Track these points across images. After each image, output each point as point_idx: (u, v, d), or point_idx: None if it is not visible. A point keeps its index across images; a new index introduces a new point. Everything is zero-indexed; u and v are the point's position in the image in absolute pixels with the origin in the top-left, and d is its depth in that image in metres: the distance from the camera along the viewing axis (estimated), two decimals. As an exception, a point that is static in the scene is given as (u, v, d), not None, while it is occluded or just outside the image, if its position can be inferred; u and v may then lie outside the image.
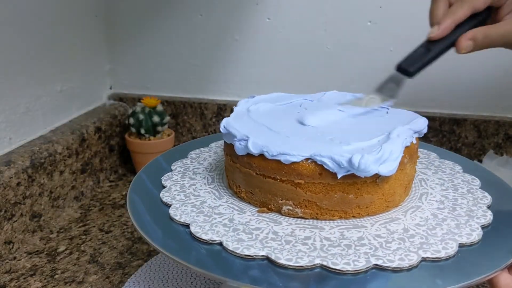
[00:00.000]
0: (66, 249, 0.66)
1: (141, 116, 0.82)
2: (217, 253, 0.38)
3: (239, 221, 0.42)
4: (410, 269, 0.36)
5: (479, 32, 0.47)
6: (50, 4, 0.75)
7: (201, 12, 0.87)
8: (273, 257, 0.37)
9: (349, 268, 0.36)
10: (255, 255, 0.37)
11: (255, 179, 0.43)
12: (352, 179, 0.40)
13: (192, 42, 0.89)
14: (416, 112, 0.49)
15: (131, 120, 0.83)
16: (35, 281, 0.59)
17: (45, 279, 0.60)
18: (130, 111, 0.85)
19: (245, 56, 0.88)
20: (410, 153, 0.43)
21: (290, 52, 0.85)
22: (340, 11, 0.81)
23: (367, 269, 0.36)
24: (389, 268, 0.36)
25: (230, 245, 0.38)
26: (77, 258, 0.64)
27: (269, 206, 0.43)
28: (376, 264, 0.36)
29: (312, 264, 0.36)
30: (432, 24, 0.49)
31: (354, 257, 0.37)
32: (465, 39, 0.47)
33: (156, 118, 0.83)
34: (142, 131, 0.83)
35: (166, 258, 0.60)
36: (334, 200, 0.41)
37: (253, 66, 0.88)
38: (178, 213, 0.43)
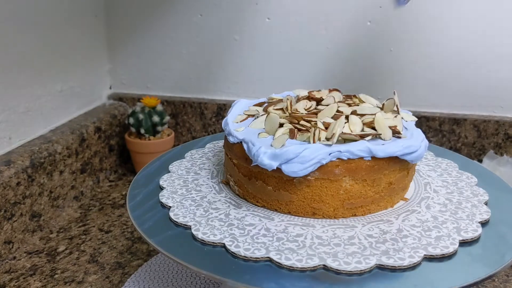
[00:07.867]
0: (66, 249, 0.66)
1: (141, 116, 0.82)
2: (216, 253, 0.38)
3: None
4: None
5: None
6: (50, 4, 0.75)
7: (201, 12, 0.87)
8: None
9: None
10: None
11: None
12: (274, 172, 0.41)
13: (192, 42, 0.89)
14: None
15: (131, 120, 0.83)
16: (34, 281, 0.59)
17: (44, 279, 0.60)
18: (130, 111, 0.85)
19: (245, 56, 0.88)
20: (350, 170, 0.41)
21: (290, 52, 0.85)
22: (340, 11, 0.81)
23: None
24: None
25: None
26: (76, 258, 0.64)
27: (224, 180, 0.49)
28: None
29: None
30: None
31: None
32: None
33: (156, 118, 0.83)
34: (142, 131, 0.83)
35: (166, 258, 0.60)
36: (256, 187, 0.44)
37: (253, 66, 0.88)
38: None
